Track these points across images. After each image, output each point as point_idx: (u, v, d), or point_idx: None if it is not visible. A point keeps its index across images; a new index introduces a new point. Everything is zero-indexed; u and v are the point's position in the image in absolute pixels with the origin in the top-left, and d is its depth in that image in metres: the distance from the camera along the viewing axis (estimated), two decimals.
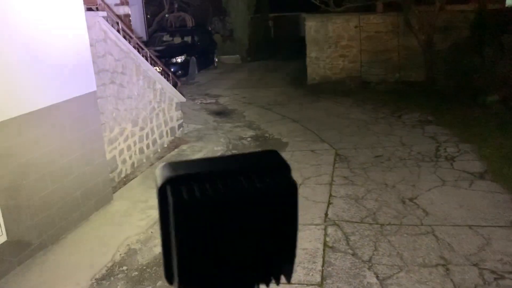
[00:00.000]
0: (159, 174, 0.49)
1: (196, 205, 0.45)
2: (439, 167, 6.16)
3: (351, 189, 5.62)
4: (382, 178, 5.92)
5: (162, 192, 0.47)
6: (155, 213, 5.32)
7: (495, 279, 3.74)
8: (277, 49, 22.05)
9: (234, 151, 7.57)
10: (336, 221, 4.85)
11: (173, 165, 0.49)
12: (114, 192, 5.92)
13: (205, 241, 0.47)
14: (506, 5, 11.36)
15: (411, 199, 5.27)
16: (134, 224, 5.12)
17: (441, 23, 11.20)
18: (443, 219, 4.78)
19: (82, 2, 5.17)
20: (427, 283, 3.75)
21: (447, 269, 3.90)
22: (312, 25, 12.54)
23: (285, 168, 0.49)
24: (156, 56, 8.66)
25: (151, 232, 4.93)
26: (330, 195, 5.46)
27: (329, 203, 5.26)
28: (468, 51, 9.26)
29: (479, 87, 8.74)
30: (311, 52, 12.68)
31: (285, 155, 7.17)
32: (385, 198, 5.34)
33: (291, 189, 0.49)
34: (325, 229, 4.70)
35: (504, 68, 8.32)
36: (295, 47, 20.67)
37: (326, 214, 5.00)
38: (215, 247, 0.47)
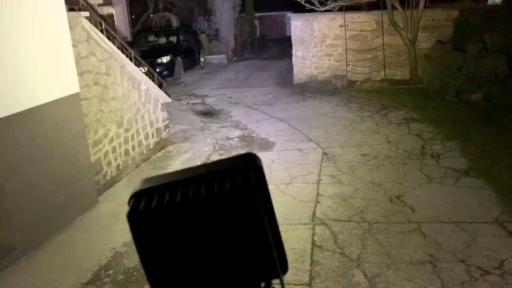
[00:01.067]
0: (132, 188, 0.49)
1: (150, 214, 0.45)
2: (425, 164, 6.21)
3: (338, 188, 5.62)
4: (369, 176, 5.94)
5: (135, 200, 0.47)
6: None
7: (481, 275, 3.77)
8: (263, 48, 22.07)
9: (221, 152, 7.54)
10: (324, 220, 4.84)
11: (148, 180, 0.49)
12: (99, 195, 5.83)
13: (167, 249, 0.46)
14: (488, 4, 11.51)
15: (398, 197, 5.30)
16: (120, 227, 5.04)
17: (426, 21, 11.33)
18: (430, 216, 4.81)
19: (64, 3, 5.08)
20: (415, 280, 3.77)
21: (435, 266, 3.92)
22: (297, 24, 12.56)
23: (250, 169, 0.48)
24: (141, 57, 8.57)
25: None
26: (318, 194, 5.46)
27: (317, 202, 5.25)
28: (452, 49, 9.36)
29: (463, 85, 8.84)
30: (297, 51, 12.70)
31: (272, 154, 7.17)
32: (373, 196, 5.36)
33: (248, 189, 0.47)
34: (313, 228, 4.69)
35: (488, 66, 8.43)
36: (281, 46, 20.74)
37: (314, 213, 4.99)
38: (180, 256, 0.46)
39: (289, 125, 8.75)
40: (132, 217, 0.46)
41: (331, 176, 6.02)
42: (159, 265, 0.46)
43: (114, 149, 6.57)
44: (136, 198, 0.47)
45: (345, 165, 6.39)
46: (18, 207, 4.43)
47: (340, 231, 4.62)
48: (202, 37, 18.00)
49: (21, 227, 4.47)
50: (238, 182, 0.46)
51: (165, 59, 13.87)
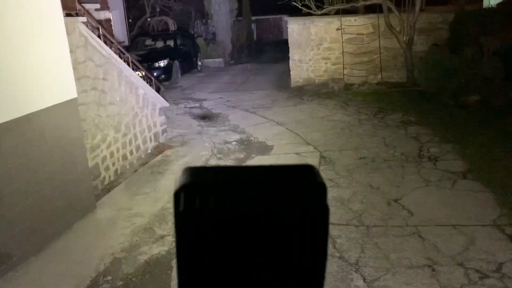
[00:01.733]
0: (178, 178, 0.44)
1: (207, 217, 0.42)
2: (423, 167, 6.22)
3: (336, 192, 5.63)
4: (367, 179, 5.95)
5: (176, 199, 0.43)
6: (140, 221, 5.25)
7: (480, 278, 3.78)
8: (261, 51, 22.10)
9: (219, 156, 7.54)
10: None
11: (195, 170, 0.45)
12: (97, 200, 5.82)
13: (210, 261, 0.43)
14: (483, 7, 11.58)
15: (396, 200, 5.31)
16: (119, 233, 5.04)
17: (421, 24, 11.38)
18: (428, 219, 4.82)
19: (61, 8, 5.08)
20: (414, 284, 3.77)
21: (433, 270, 3.93)
22: (294, 28, 12.59)
23: (320, 188, 0.44)
24: (139, 61, 8.58)
25: (136, 240, 4.86)
26: None
27: None
28: (448, 52, 9.40)
29: (460, 88, 8.88)
30: (294, 55, 12.74)
31: (270, 158, 7.18)
32: (371, 199, 5.37)
33: (322, 214, 0.44)
34: None
35: (484, 69, 8.47)
36: (278, 50, 20.76)
37: None
38: (222, 270, 0.43)
39: (286, 128, 8.76)
40: (186, 216, 0.41)
41: (329, 179, 6.02)
42: (200, 275, 0.43)
43: (112, 154, 6.56)
44: (188, 193, 0.42)
45: (343, 168, 6.40)
46: (15, 213, 4.42)
47: (338, 235, 4.63)
48: (200, 41, 18.01)
49: (19, 233, 4.46)
50: (309, 204, 0.43)
51: (162, 63, 13.88)
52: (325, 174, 6.22)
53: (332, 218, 4.97)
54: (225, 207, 0.42)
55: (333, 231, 4.70)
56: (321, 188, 0.44)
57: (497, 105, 8.05)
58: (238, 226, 0.42)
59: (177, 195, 0.42)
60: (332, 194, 5.55)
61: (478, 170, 5.95)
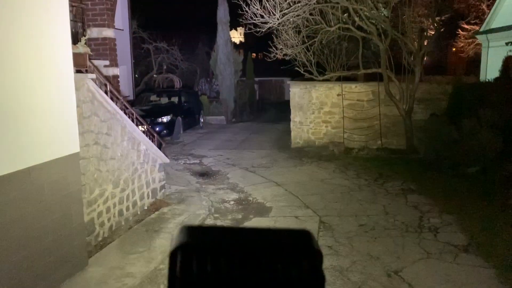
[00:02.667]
0: (174, 237, 0.44)
1: (203, 282, 0.41)
2: (423, 238, 6.12)
3: (335, 260, 5.49)
4: (366, 248, 5.82)
5: (173, 258, 0.42)
6: (131, 281, 5.07)
7: None
8: (262, 111, 22.54)
9: (217, 215, 7.43)
10: None
11: (191, 230, 0.45)
12: (90, 257, 5.65)
13: None
14: (480, 80, 11.96)
15: (396, 272, 5.16)
16: None
17: (421, 94, 11.70)
18: None
19: (72, 65, 5.23)
20: None
21: None
22: (296, 91, 12.93)
23: (316, 256, 0.44)
24: (142, 115, 8.70)
25: None
26: None
27: None
28: (447, 122, 9.57)
29: (459, 158, 8.94)
30: (295, 117, 12.97)
31: (269, 221, 7.07)
32: (370, 270, 5.22)
33: (318, 283, 0.44)
34: None
35: (482, 141, 8.58)
36: (280, 110, 21.19)
37: None
38: None
39: (286, 189, 8.71)
40: (182, 280, 0.41)
41: (328, 246, 5.89)
42: None
43: (108, 209, 6.47)
44: (184, 254, 0.42)
45: (343, 235, 6.28)
46: (5, 269, 4.26)
47: None
48: (203, 99, 18.42)
49: None
50: (306, 272, 0.43)
51: (165, 119, 14.08)
52: (325, 240, 6.10)
53: None
54: (222, 272, 0.41)
55: None
56: (317, 256, 0.44)
57: (496, 177, 8.07)
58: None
59: (173, 255, 0.42)
60: (331, 263, 5.41)
61: (479, 244, 5.84)
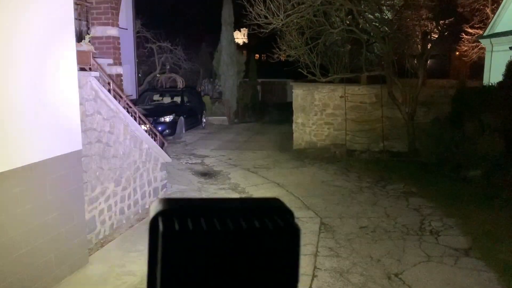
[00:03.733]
0: (153, 208, 0.46)
1: (187, 237, 0.43)
2: (424, 241, 6.11)
3: (336, 262, 5.48)
4: (367, 250, 5.82)
5: (153, 225, 0.44)
6: (131, 279, 5.07)
7: None
8: (264, 112, 22.54)
9: None
10: None
11: (169, 201, 0.47)
12: (90, 255, 5.66)
13: (192, 278, 0.43)
14: (484, 84, 11.94)
15: (396, 275, 5.15)
16: None
17: (424, 97, 11.68)
18: None
19: (76, 63, 5.24)
20: None
21: None
22: (299, 93, 12.92)
23: (288, 213, 0.47)
24: (145, 115, 8.71)
25: None
26: (315, 268, 5.31)
27: (314, 276, 5.09)
28: (449, 126, 9.56)
29: (461, 161, 8.93)
30: (298, 118, 12.96)
31: None
32: (371, 272, 5.22)
33: (292, 233, 0.45)
34: None
35: (484, 145, 8.57)
36: (282, 111, 21.17)
37: None
38: (202, 286, 0.44)
39: (287, 191, 8.71)
40: (167, 236, 0.43)
41: (329, 248, 5.89)
42: None
43: (109, 207, 6.48)
44: (165, 218, 0.44)
45: (343, 237, 6.28)
46: (6, 265, 4.28)
47: None
48: (206, 99, 18.43)
49: (6, 286, 4.28)
50: (280, 223, 0.45)
51: (168, 118, 14.10)
52: (325, 242, 6.10)
53: None
54: (202, 227, 0.43)
55: None
56: (290, 214, 0.47)
57: (498, 181, 8.05)
58: (216, 244, 0.43)
59: (154, 221, 0.44)
60: (331, 264, 5.40)
61: (481, 248, 5.82)
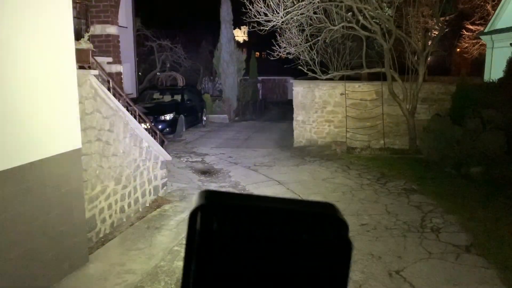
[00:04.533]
0: (195, 200, 0.43)
1: (225, 239, 0.40)
2: (425, 238, 6.09)
3: None
4: (368, 248, 5.80)
5: (192, 220, 0.41)
6: (131, 278, 5.07)
7: None
8: (265, 110, 22.53)
9: None
10: None
11: (212, 193, 0.43)
12: (90, 253, 5.66)
13: (225, 281, 0.41)
14: (484, 80, 11.90)
15: (397, 272, 5.14)
16: None
17: (424, 94, 11.65)
18: None
19: (75, 61, 5.23)
20: None
21: None
22: (299, 90, 12.90)
23: (342, 225, 0.42)
24: (145, 113, 8.70)
25: None
26: None
27: None
28: (450, 123, 9.53)
29: (462, 158, 8.91)
30: (298, 116, 12.94)
31: None
32: (372, 269, 5.20)
33: (344, 249, 0.42)
34: None
35: (486, 141, 8.54)
36: (282, 109, 21.18)
37: None
38: None
39: (287, 188, 8.69)
40: (202, 236, 0.40)
41: None
42: None
43: (110, 206, 6.47)
44: (205, 213, 0.41)
45: None
46: (5, 263, 4.27)
47: None
48: (206, 97, 18.42)
49: (7, 284, 4.28)
50: (330, 235, 0.41)
51: (168, 117, 14.09)
52: None
53: None
54: (242, 229, 0.40)
55: None
56: (343, 224, 0.42)
57: (500, 178, 8.03)
58: (255, 248, 0.40)
59: (193, 215, 0.41)
60: None
61: (482, 244, 5.81)
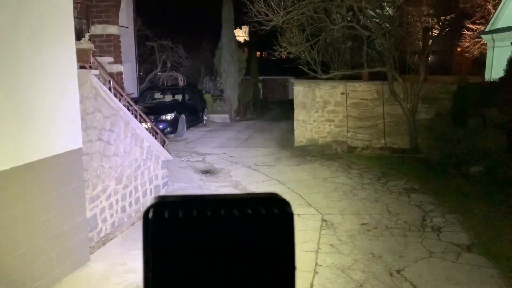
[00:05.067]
0: (148, 203, 0.46)
1: (177, 224, 0.43)
2: (426, 237, 6.09)
3: (337, 258, 5.47)
4: (369, 247, 5.81)
5: (145, 217, 0.44)
6: (133, 277, 5.08)
7: None
8: (266, 109, 22.53)
9: None
10: None
11: (164, 196, 0.47)
12: (91, 253, 5.67)
13: (183, 266, 0.43)
14: (485, 79, 11.89)
15: (398, 271, 5.14)
16: None
17: (425, 93, 11.64)
18: None
19: (75, 60, 5.24)
20: None
21: None
22: (300, 90, 12.90)
23: (282, 202, 0.46)
24: (146, 113, 8.71)
25: None
26: (316, 264, 5.31)
27: (315, 273, 5.09)
28: (451, 122, 9.53)
29: (463, 157, 8.90)
30: (299, 115, 12.94)
31: None
32: (372, 269, 5.21)
33: (286, 218, 0.45)
34: None
35: (487, 140, 8.54)
36: (283, 108, 21.16)
37: (311, 285, 4.82)
38: (195, 279, 0.44)
39: (288, 188, 8.70)
40: (156, 224, 0.43)
41: (330, 245, 5.88)
42: (170, 284, 0.44)
43: (111, 206, 6.48)
44: (157, 208, 0.44)
45: (345, 233, 6.27)
46: (7, 263, 4.29)
47: None
48: (207, 97, 18.42)
49: (8, 284, 4.29)
50: (275, 210, 0.45)
51: (169, 116, 14.10)
52: (326, 239, 6.09)
53: (332, 287, 4.79)
54: (192, 215, 0.43)
55: None
56: (285, 202, 0.46)
57: (501, 177, 8.02)
58: (206, 231, 0.43)
59: (146, 213, 0.44)
60: (332, 261, 5.40)
61: (482, 244, 5.81)
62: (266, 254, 0.45)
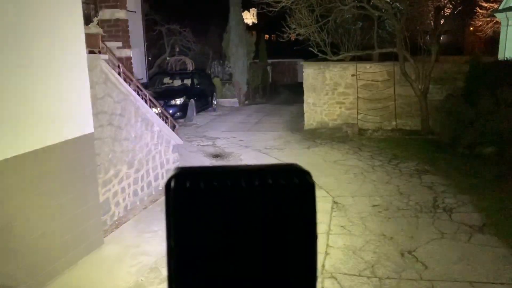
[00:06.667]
0: (170, 173, 0.47)
1: (198, 194, 0.43)
2: (438, 218, 6.08)
3: (349, 240, 5.49)
4: (380, 228, 5.82)
5: (167, 187, 0.44)
6: (146, 259, 5.16)
7: None
8: (275, 93, 22.42)
9: None
10: (333, 274, 4.70)
11: (185, 167, 0.47)
12: (105, 236, 5.77)
13: (204, 235, 0.44)
14: (499, 59, 11.66)
15: (409, 252, 5.15)
16: (124, 271, 4.94)
17: (437, 73, 11.46)
18: (443, 274, 4.65)
19: (85, 46, 5.24)
20: None
21: None
22: (310, 72, 12.79)
23: (302, 172, 0.47)
24: (156, 98, 8.73)
25: (141, 279, 4.75)
26: (328, 246, 5.33)
27: (326, 254, 5.12)
28: (463, 102, 9.40)
29: (475, 138, 8.80)
30: (309, 98, 12.86)
31: None
32: (384, 250, 5.22)
33: (307, 188, 0.45)
34: (322, 282, 4.54)
35: (500, 121, 8.42)
36: (293, 92, 21.05)
37: (323, 266, 4.86)
38: (216, 247, 0.44)
39: None
40: (177, 194, 0.43)
41: (341, 226, 5.90)
42: (192, 252, 0.44)
43: (123, 190, 6.56)
44: (178, 178, 0.44)
45: (356, 215, 6.28)
46: (24, 246, 4.38)
47: (350, 286, 4.47)
48: (216, 81, 18.37)
49: (25, 267, 4.40)
50: (295, 180, 0.45)
51: (178, 101, 14.11)
52: (338, 220, 6.11)
53: (344, 268, 4.83)
54: (213, 185, 0.43)
55: (344, 281, 4.55)
56: (305, 172, 0.47)
57: None
58: (227, 200, 0.44)
59: (168, 183, 0.44)
60: (344, 242, 5.42)
61: (495, 224, 5.78)
62: (288, 223, 0.45)
